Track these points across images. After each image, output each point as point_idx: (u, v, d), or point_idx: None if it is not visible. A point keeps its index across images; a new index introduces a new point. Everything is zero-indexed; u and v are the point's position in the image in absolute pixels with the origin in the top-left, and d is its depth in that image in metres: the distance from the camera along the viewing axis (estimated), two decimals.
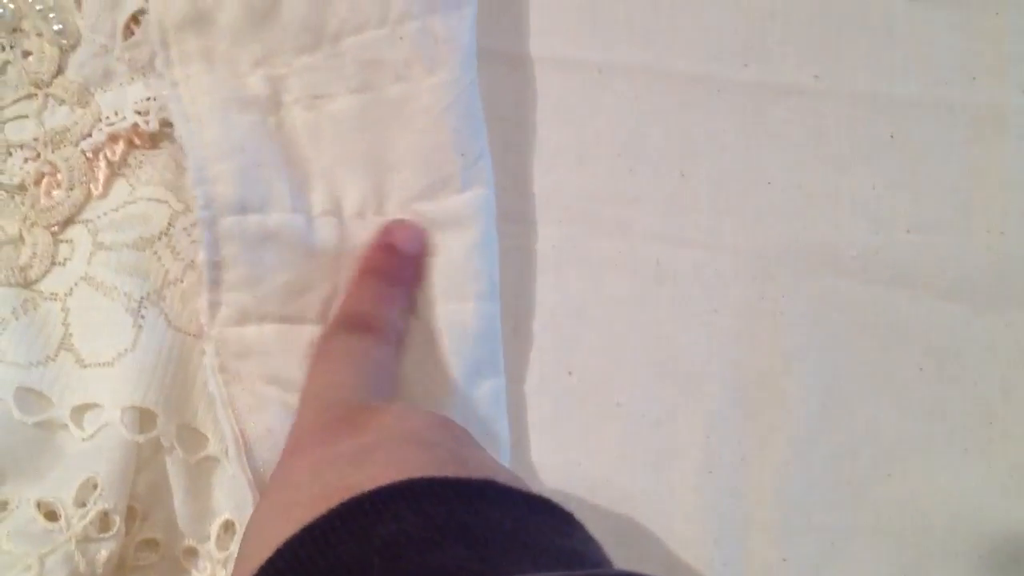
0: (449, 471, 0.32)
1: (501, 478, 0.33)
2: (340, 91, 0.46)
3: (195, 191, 0.45)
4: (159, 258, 0.47)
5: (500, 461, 0.45)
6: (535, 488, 0.48)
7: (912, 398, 0.50)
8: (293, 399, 0.44)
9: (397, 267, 0.45)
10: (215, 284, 0.45)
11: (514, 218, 0.51)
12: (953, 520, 0.50)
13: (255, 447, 0.44)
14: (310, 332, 0.45)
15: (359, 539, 0.30)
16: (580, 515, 0.43)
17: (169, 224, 0.47)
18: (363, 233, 0.46)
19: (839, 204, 0.52)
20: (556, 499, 0.34)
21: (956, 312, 0.51)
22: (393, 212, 0.46)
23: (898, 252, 0.51)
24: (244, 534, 0.36)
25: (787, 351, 0.50)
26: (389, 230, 0.46)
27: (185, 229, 0.47)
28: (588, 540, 0.34)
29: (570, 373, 0.50)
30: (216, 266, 0.45)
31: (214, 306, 0.45)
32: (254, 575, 0.30)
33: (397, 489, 0.31)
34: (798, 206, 0.51)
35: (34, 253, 0.46)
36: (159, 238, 0.47)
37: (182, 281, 0.47)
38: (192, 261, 0.47)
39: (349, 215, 0.46)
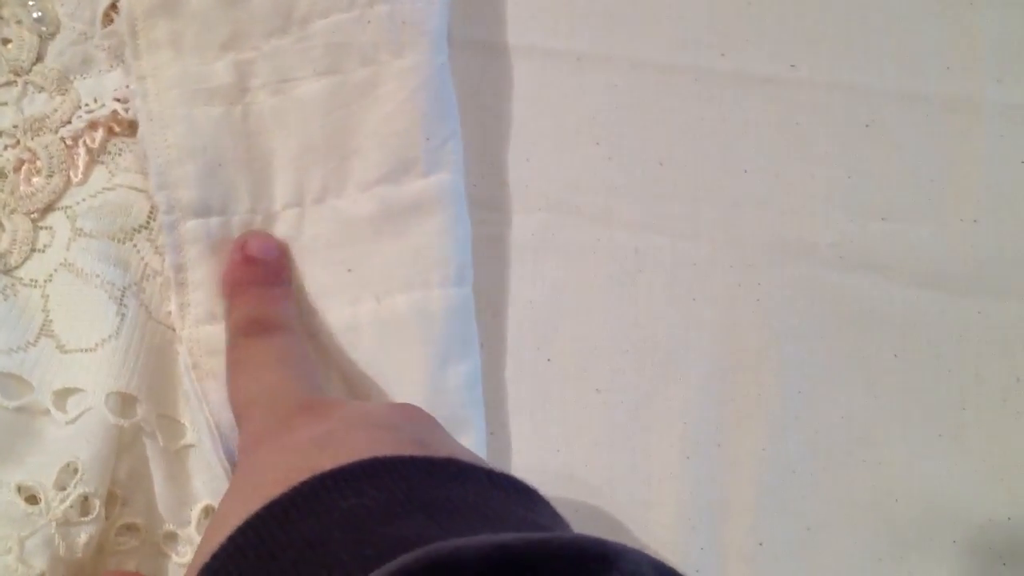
0: (412, 452, 0.33)
1: (465, 458, 0.34)
2: (307, 75, 0.46)
3: (156, 196, 0.45)
4: (139, 251, 0.47)
5: (476, 445, 0.46)
6: (512, 473, 0.48)
7: (887, 384, 0.51)
8: None
9: (264, 273, 0.45)
10: (181, 285, 0.46)
11: (493, 206, 0.51)
12: (927, 505, 0.50)
13: (230, 440, 0.44)
14: None
15: (320, 515, 0.30)
16: (557, 501, 0.43)
17: (149, 218, 0.47)
18: (321, 219, 0.47)
19: (815, 193, 0.52)
20: (534, 484, 0.34)
21: (931, 299, 0.51)
22: (354, 195, 0.47)
23: (874, 240, 0.52)
24: (211, 522, 0.36)
25: (764, 338, 0.51)
26: (242, 244, 0.46)
27: None
28: (554, 516, 0.34)
29: (549, 360, 0.50)
30: (181, 268, 0.46)
31: (183, 307, 0.46)
32: (214, 553, 0.30)
33: (359, 466, 0.31)
34: (775, 195, 0.52)
35: (14, 240, 0.47)
36: (139, 231, 0.47)
37: (162, 274, 0.47)
38: None
39: (310, 201, 0.47)
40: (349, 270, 0.46)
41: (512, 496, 0.33)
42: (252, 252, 0.45)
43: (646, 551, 0.46)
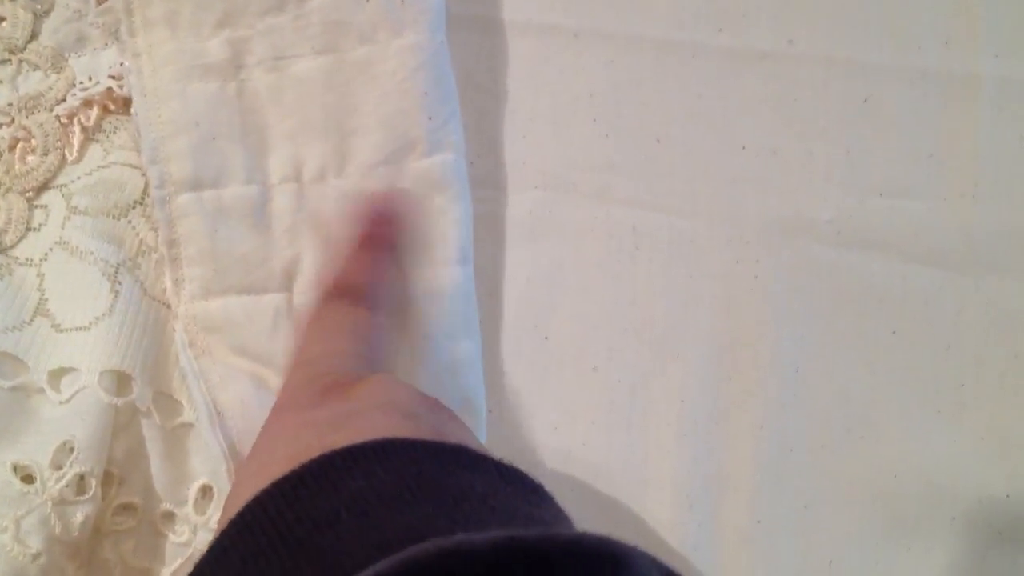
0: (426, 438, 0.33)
1: (476, 449, 0.34)
2: (305, 52, 0.46)
3: (148, 171, 0.45)
4: (134, 227, 0.47)
5: (476, 425, 0.46)
6: (511, 452, 0.48)
7: (885, 362, 0.51)
8: (262, 369, 0.45)
9: (392, 236, 0.45)
10: (175, 261, 0.46)
11: (490, 184, 0.51)
12: (925, 482, 0.50)
13: (228, 418, 0.44)
14: (274, 301, 0.46)
15: (328, 493, 0.30)
16: (556, 479, 0.43)
17: (144, 194, 0.47)
18: (322, 198, 0.46)
19: (813, 169, 0.52)
20: (532, 463, 0.34)
21: (928, 276, 0.51)
22: (355, 175, 0.46)
23: (871, 217, 0.52)
24: (228, 494, 0.36)
25: (761, 315, 0.51)
26: (382, 199, 0.45)
27: None
28: (558, 512, 0.34)
29: (546, 338, 0.50)
30: (174, 243, 0.46)
31: (178, 283, 0.46)
32: (223, 529, 0.30)
33: (370, 447, 0.31)
34: (772, 171, 0.52)
35: (9, 219, 0.46)
36: (133, 207, 0.47)
37: (157, 250, 0.47)
38: None
39: (309, 179, 0.46)
40: None
41: (520, 491, 0.33)
42: (389, 209, 0.45)
43: (644, 528, 0.46)
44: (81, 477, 0.43)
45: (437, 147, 0.46)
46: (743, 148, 0.52)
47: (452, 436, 0.35)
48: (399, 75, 0.46)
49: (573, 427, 0.50)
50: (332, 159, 0.46)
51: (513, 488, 0.33)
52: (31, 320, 0.45)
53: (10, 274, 0.46)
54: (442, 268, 0.46)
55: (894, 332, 0.51)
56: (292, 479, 0.30)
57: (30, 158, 0.47)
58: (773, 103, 0.52)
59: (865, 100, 0.52)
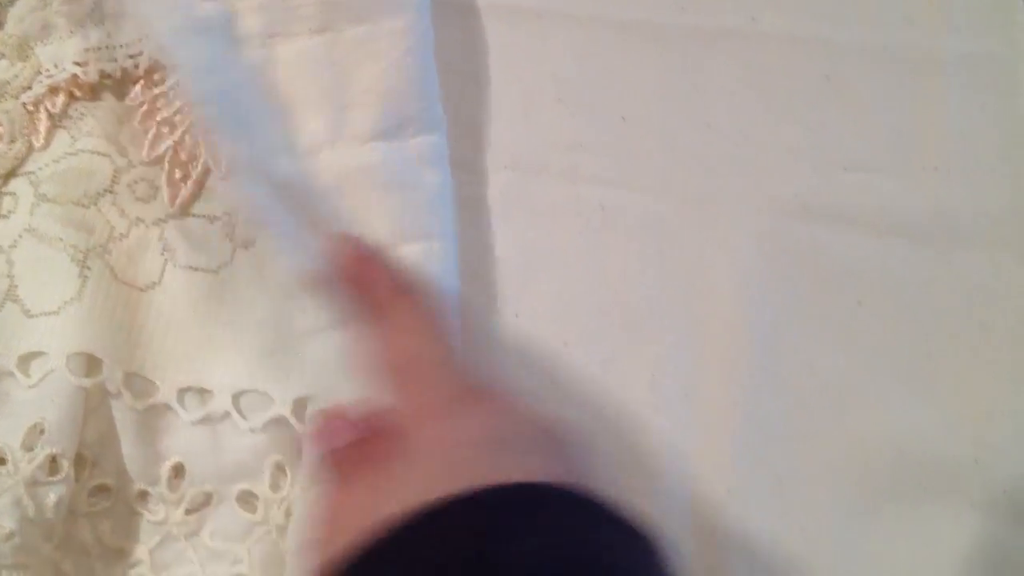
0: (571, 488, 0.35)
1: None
2: (301, 31, 0.46)
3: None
4: (103, 214, 0.47)
5: None
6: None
7: (853, 334, 0.51)
8: None
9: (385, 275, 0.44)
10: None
11: (462, 166, 0.51)
12: (894, 453, 0.50)
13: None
14: None
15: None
16: None
17: (113, 180, 0.47)
18: (317, 173, 0.46)
19: (778, 146, 0.52)
20: None
21: (894, 249, 0.52)
22: (348, 148, 0.46)
23: (838, 192, 0.52)
24: (352, 470, 0.36)
25: (730, 291, 0.51)
26: (346, 244, 0.44)
27: (129, 186, 0.47)
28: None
29: (516, 316, 0.51)
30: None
31: None
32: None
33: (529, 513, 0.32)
34: (738, 148, 0.52)
35: None
36: (103, 194, 0.47)
37: (127, 236, 0.47)
38: (137, 217, 0.47)
39: (302, 153, 0.46)
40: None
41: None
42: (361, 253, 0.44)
43: (616, 503, 0.46)
44: (53, 458, 0.43)
45: (425, 127, 0.47)
46: (708, 126, 0.52)
47: (583, 479, 0.36)
48: (392, 54, 0.46)
49: (545, 404, 0.50)
50: (325, 133, 0.46)
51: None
52: (1, 306, 0.45)
53: None
54: (425, 243, 0.46)
55: (863, 305, 0.51)
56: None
57: None
58: (737, 81, 0.53)
59: (828, 77, 0.53)
